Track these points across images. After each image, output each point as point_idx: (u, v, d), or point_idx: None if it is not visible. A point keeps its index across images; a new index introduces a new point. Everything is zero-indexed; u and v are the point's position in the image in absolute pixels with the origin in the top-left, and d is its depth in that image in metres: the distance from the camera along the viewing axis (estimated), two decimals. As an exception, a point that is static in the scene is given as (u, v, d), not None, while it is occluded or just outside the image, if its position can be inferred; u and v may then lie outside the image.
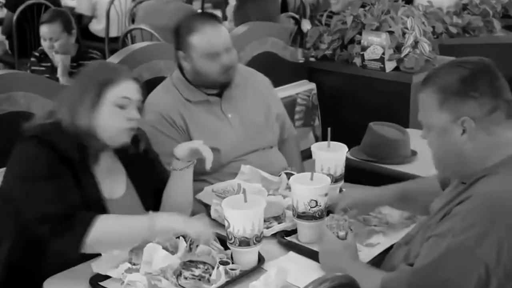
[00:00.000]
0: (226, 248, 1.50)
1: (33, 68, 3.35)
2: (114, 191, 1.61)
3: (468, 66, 1.29)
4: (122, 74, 1.57)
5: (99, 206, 1.53)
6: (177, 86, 2.02)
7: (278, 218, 1.68)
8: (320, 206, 1.57)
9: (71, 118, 1.52)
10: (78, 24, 4.89)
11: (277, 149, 2.16)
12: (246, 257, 1.47)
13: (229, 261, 1.46)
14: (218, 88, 2.02)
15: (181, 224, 1.45)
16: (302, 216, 1.58)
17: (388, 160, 2.21)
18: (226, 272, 1.41)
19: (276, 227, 1.65)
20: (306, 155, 2.08)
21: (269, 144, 2.10)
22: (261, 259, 1.50)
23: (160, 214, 1.50)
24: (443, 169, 1.41)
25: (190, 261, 1.44)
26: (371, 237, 1.64)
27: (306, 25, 3.20)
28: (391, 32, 2.72)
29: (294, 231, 1.64)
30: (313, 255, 1.52)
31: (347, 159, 2.31)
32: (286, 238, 1.62)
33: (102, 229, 1.42)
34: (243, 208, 1.45)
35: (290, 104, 2.75)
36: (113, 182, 1.61)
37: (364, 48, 2.77)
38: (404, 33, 2.72)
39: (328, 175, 1.73)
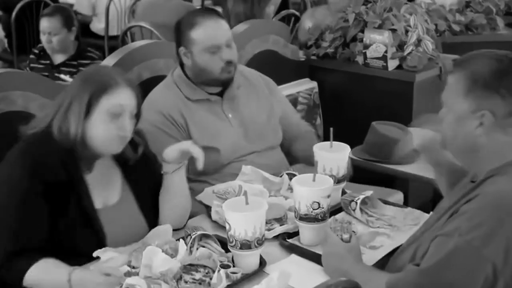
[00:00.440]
0: (227, 250, 1.48)
1: (32, 65, 3.33)
2: (109, 198, 1.58)
3: (505, 61, 1.28)
4: (116, 81, 1.52)
5: (92, 217, 1.51)
6: (178, 84, 2.00)
7: (280, 220, 1.66)
8: (322, 208, 1.55)
9: (63, 126, 1.49)
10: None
11: (279, 150, 2.13)
12: (248, 260, 1.45)
13: (230, 264, 1.44)
14: (219, 85, 2.00)
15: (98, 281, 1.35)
16: (304, 218, 1.56)
17: (391, 160, 2.19)
18: (227, 276, 1.39)
19: (278, 229, 1.62)
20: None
21: (270, 145, 2.08)
22: (262, 262, 1.48)
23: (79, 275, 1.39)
24: (454, 155, 1.39)
25: (191, 265, 1.41)
26: (375, 239, 1.62)
27: (307, 23, 3.16)
28: (393, 30, 2.69)
29: (296, 233, 1.62)
30: (315, 258, 1.50)
31: (349, 158, 2.30)
32: (288, 240, 1.60)
33: (32, 278, 1.42)
34: (245, 211, 1.43)
35: (291, 103, 2.71)
36: (107, 189, 1.58)
37: (366, 46, 2.74)
38: (407, 31, 2.70)
39: (331, 175, 1.71)
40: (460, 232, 1.21)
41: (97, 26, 4.74)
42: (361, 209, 1.70)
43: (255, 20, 2.96)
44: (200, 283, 1.37)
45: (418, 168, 2.15)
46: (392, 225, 1.68)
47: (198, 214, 1.75)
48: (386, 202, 1.79)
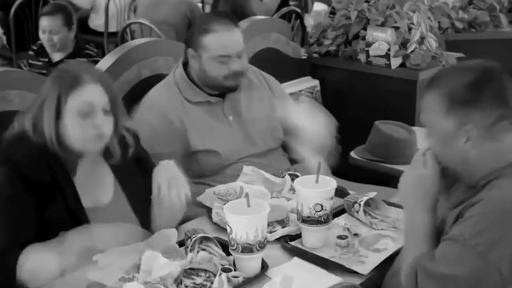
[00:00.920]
0: (228, 253, 1.45)
1: (30, 62, 3.30)
2: (100, 198, 1.55)
3: (475, 72, 1.27)
4: (82, 78, 1.48)
5: (81, 217, 1.48)
6: (179, 85, 1.97)
7: (282, 222, 1.64)
8: (325, 210, 1.52)
9: (37, 126, 1.46)
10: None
11: (280, 151, 2.10)
12: (249, 263, 1.42)
13: (232, 268, 1.41)
14: (221, 91, 1.97)
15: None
16: (307, 220, 1.53)
17: (395, 160, 2.17)
18: (229, 280, 1.37)
19: (280, 231, 1.60)
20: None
21: (271, 147, 2.05)
22: (264, 266, 1.45)
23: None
24: (450, 171, 1.37)
25: (191, 269, 1.39)
26: (378, 242, 1.59)
27: (309, 20, 3.13)
28: (396, 28, 2.67)
29: (298, 236, 1.59)
30: (318, 261, 1.47)
31: (352, 158, 2.27)
32: (290, 243, 1.57)
33: (26, 271, 1.37)
34: (246, 214, 1.40)
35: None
36: (97, 189, 1.55)
37: (369, 44, 2.72)
38: (410, 29, 2.68)
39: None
40: (465, 237, 1.20)
41: (95, 22, 4.71)
42: (364, 211, 1.67)
43: (256, 17, 2.93)
44: (201, 288, 1.34)
45: (421, 169, 2.13)
46: (396, 227, 1.65)
47: (198, 216, 1.72)
48: (390, 204, 1.76)
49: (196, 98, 1.96)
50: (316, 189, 1.52)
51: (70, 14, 3.22)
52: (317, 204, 1.51)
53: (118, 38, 3.66)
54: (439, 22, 3.21)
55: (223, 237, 1.51)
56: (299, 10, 3.98)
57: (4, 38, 4.51)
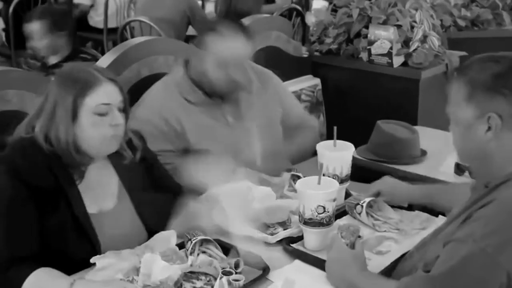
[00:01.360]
0: (228, 255, 1.44)
1: (28, 61, 3.25)
2: (104, 203, 1.53)
3: (504, 62, 1.23)
4: (97, 77, 1.45)
5: (85, 223, 1.46)
6: (178, 85, 1.94)
7: (284, 224, 1.61)
8: (328, 212, 1.50)
9: (50, 133, 1.43)
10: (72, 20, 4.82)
11: (280, 152, 2.07)
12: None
13: (232, 271, 1.39)
14: (217, 95, 1.94)
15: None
16: (309, 222, 1.51)
17: (397, 160, 2.15)
18: (229, 283, 1.34)
19: (281, 233, 1.58)
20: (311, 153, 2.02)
21: (271, 150, 2.02)
22: (265, 269, 1.43)
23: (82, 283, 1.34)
24: (465, 162, 1.38)
25: (191, 272, 1.37)
26: (381, 244, 1.57)
27: (310, 18, 3.11)
28: (399, 26, 2.65)
29: (300, 238, 1.57)
30: (320, 264, 1.45)
31: (353, 158, 2.25)
32: (292, 245, 1.55)
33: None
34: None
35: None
36: (102, 194, 1.53)
37: (371, 43, 2.70)
38: (412, 27, 2.66)
39: (334, 175, 1.67)
40: (474, 238, 1.17)
41: (95, 19, 4.68)
42: (367, 213, 1.65)
43: (256, 15, 2.91)
44: (201, 292, 1.33)
45: (425, 169, 2.12)
46: (399, 229, 1.63)
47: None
48: (392, 205, 1.74)
49: (196, 99, 1.93)
50: (318, 190, 1.50)
51: (60, 19, 3.10)
52: (319, 206, 1.49)
53: (117, 35, 3.64)
54: (441, 20, 3.18)
55: (223, 239, 1.49)
56: (299, 8, 3.96)
57: (3, 35, 4.48)
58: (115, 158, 1.54)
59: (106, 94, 1.45)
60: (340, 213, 1.68)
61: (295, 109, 2.18)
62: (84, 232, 1.45)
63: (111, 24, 4.42)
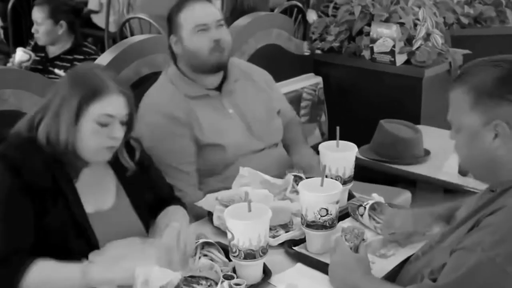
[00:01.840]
0: (230, 260, 1.40)
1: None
2: (102, 203, 1.50)
3: (506, 66, 1.20)
4: (108, 86, 1.42)
5: (83, 222, 1.44)
6: (174, 82, 1.92)
7: (285, 226, 1.59)
8: (331, 214, 1.47)
9: (51, 132, 1.41)
10: (77, 15, 4.79)
11: (281, 147, 2.05)
12: (252, 270, 1.38)
13: (234, 275, 1.37)
14: (211, 70, 1.91)
15: (120, 274, 1.29)
16: (311, 225, 1.48)
17: (400, 160, 2.13)
18: (230, 288, 1.32)
19: (283, 236, 1.55)
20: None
21: (274, 141, 2.01)
22: (268, 273, 1.41)
23: (96, 264, 1.35)
24: (472, 172, 1.32)
25: (192, 277, 1.35)
26: (385, 247, 1.54)
27: (312, 16, 3.08)
28: (401, 24, 2.62)
29: (302, 240, 1.55)
30: (323, 268, 1.42)
31: (356, 158, 2.23)
32: (294, 248, 1.52)
33: (35, 280, 1.33)
34: (248, 219, 1.35)
35: (295, 99, 2.67)
36: (100, 193, 1.51)
37: (373, 41, 2.67)
38: (415, 25, 2.63)
39: (337, 177, 1.65)
40: (483, 247, 1.14)
41: (98, 18, 4.66)
42: (369, 215, 1.63)
43: (257, 13, 2.88)
44: (202, 296, 1.31)
45: (428, 169, 2.10)
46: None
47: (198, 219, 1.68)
48: (396, 207, 1.72)
49: (194, 92, 1.91)
50: (321, 193, 1.48)
51: (58, 8, 3.14)
52: (322, 208, 1.46)
53: (117, 33, 3.61)
54: (444, 18, 3.15)
55: (224, 241, 1.46)
56: (300, 5, 3.92)
57: (1, 32, 4.45)
58: (113, 160, 1.51)
59: (112, 106, 1.42)
60: (342, 215, 1.65)
61: (287, 108, 2.17)
62: (83, 232, 1.43)
63: (113, 28, 4.40)
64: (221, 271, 1.36)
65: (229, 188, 1.73)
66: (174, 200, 1.64)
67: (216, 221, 1.61)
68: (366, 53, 2.74)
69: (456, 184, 2.01)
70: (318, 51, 2.92)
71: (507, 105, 1.18)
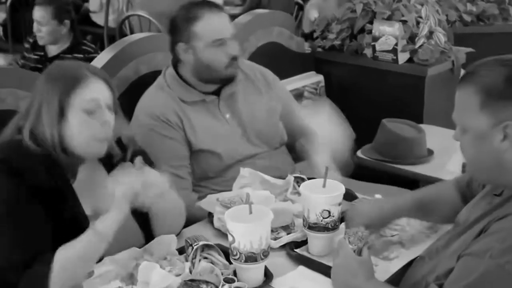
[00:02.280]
0: (231, 262, 1.38)
1: (26, 55, 3.22)
2: (99, 205, 1.46)
3: None
4: (83, 73, 1.40)
5: (83, 223, 1.41)
6: (171, 85, 1.89)
7: (287, 228, 1.56)
8: (333, 216, 1.45)
9: (36, 131, 1.38)
10: (76, 12, 4.77)
11: (283, 150, 2.03)
12: (253, 273, 1.36)
13: (235, 278, 1.35)
14: (221, 83, 1.89)
15: (118, 214, 1.34)
16: (313, 227, 1.46)
17: (403, 160, 2.10)
18: (232, 291, 1.30)
19: (285, 238, 1.53)
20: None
21: (273, 146, 1.97)
22: (269, 276, 1.39)
23: (98, 221, 1.36)
24: (477, 175, 1.31)
25: (192, 280, 1.32)
26: (388, 249, 1.52)
27: (313, 13, 3.05)
28: (404, 22, 2.60)
29: (304, 242, 1.52)
30: (325, 271, 1.40)
31: (358, 158, 2.21)
32: (295, 250, 1.50)
33: (63, 266, 1.30)
34: (249, 221, 1.33)
35: (296, 98, 2.62)
36: (97, 196, 1.47)
37: (375, 39, 2.64)
38: (418, 23, 2.60)
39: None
40: (492, 254, 1.11)
41: (97, 15, 4.63)
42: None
43: (258, 10, 2.85)
44: (202, 301, 1.28)
45: (431, 169, 2.07)
46: (405, 231, 1.58)
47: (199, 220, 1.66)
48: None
49: (191, 98, 1.88)
50: (323, 194, 1.45)
51: (62, 7, 3.12)
52: (324, 210, 1.44)
53: (116, 30, 3.59)
54: (446, 15, 3.13)
55: (225, 243, 1.44)
56: (301, 2, 3.90)
57: (0, 29, 4.43)
58: (106, 160, 1.48)
59: (93, 90, 1.39)
60: (343, 217, 1.63)
61: (299, 110, 2.12)
62: (81, 233, 1.40)
63: (112, 24, 4.37)
64: (222, 274, 1.34)
65: (225, 191, 1.70)
66: None
67: (216, 223, 1.59)
68: (368, 51, 2.71)
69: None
70: (320, 49, 2.90)
71: None
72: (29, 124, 1.39)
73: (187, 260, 1.40)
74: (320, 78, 2.82)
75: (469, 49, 2.69)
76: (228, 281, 1.32)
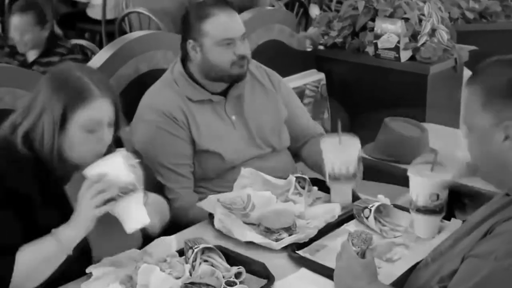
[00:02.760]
0: (232, 264, 1.38)
1: (6, 60, 3.08)
2: None
3: None
4: (92, 91, 1.38)
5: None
6: (178, 82, 1.87)
7: (289, 229, 1.55)
8: (441, 200, 1.50)
9: (32, 136, 1.37)
10: (73, 7, 4.73)
11: (286, 153, 2.01)
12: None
13: (236, 281, 1.33)
14: (229, 81, 1.87)
15: (81, 227, 1.35)
16: (422, 210, 1.51)
17: (406, 160, 2.06)
18: (232, 295, 1.28)
19: (287, 239, 1.51)
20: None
21: (276, 149, 1.96)
22: (270, 278, 1.37)
23: (62, 227, 1.36)
24: (482, 174, 1.29)
25: (192, 283, 1.30)
26: (392, 251, 1.50)
27: (314, 10, 3.04)
28: (406, 19, 2.58)
29: (306, 244, 1.51)
30: (327, 273, 1.38)
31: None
32: (297, 252, 1.48)
33: (22, 271, 1.33)
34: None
35: (298, 96, 2.60)
36: None
37: (377, 36, 2.63)
38: (420, 20, 2.58)
39: (340, 174, 1.66)
40: (497, 256, 1.10)
41: (93, 10, 4.59)
42: (375, 218, 1.59)
43: (259, 8, 2.83)
44: (202, 304, 1.27)
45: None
46: (408, 232, 1.56)
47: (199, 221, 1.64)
48: (401, 208, 1.67)
49: (198, 97, 1.86)
50: (432, 177, 1.50)
51: (43, 12, 3.00)
52: (433, 193, 1.49)
53: (115, 27, 3.56)
54: (449, 13, 3.12)
55: (225, 245, 1.44)
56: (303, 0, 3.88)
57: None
58: None
59: (99, 110, 1.38)
60: (347, 218, 1.62)
61: (305, 116, 2.10)
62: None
63: (110, 15, 4.34)
64: (223, 277, 1.33)
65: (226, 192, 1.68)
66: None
67: (217, 224, 1.57)
68: (370, 49, 2.70)
69: (462, 184, 1.96)
70: (321, 47, 2.88)
71: None
72: (26, 124, 1.38)
73: (187, 262, 1.38)
74: (321, 76, 2.81)
75: (472, 47, 2.68)
76: (229, 284, 1.31)
